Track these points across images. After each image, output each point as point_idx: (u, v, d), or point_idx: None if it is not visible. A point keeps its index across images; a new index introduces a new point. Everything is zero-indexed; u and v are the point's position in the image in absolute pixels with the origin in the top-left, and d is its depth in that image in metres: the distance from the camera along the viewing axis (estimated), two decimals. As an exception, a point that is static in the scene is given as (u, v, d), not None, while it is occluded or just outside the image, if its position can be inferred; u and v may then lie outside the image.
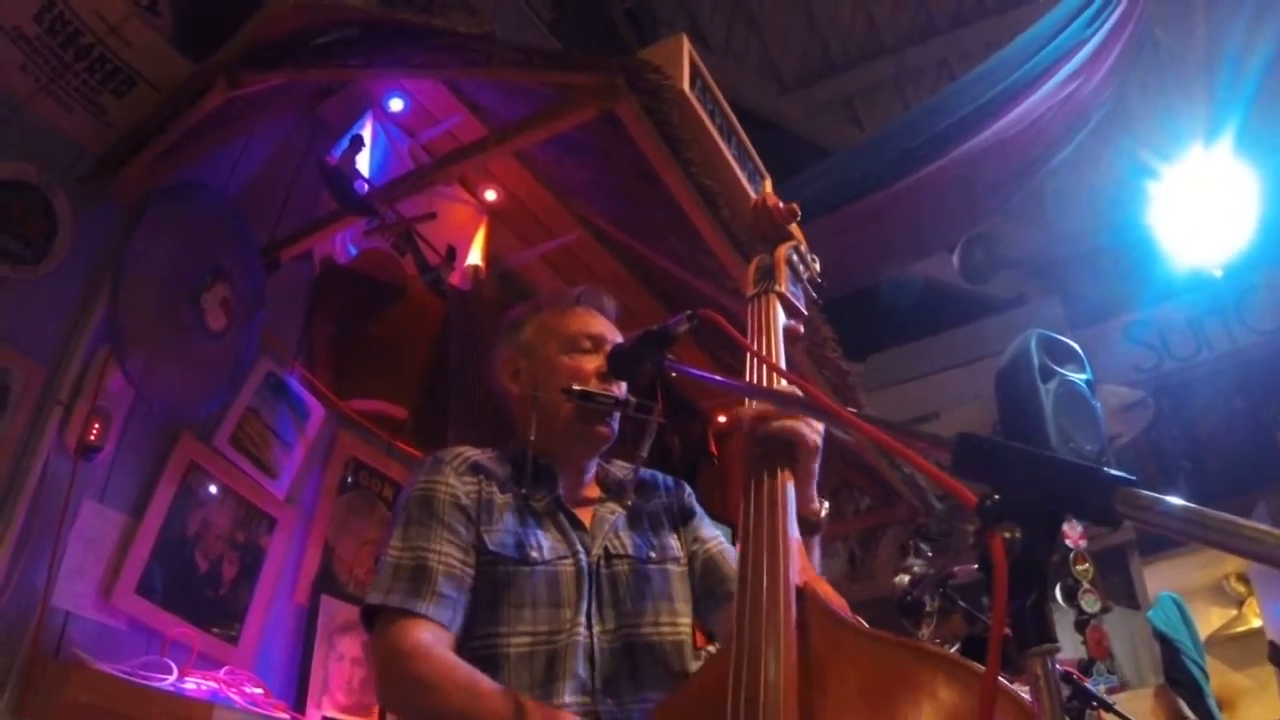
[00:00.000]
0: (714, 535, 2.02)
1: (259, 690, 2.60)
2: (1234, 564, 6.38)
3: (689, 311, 1.70)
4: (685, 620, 1.87)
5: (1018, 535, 0.94)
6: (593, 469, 2.01)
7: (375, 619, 1.69)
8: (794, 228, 1.99)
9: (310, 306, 3.27)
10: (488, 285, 3.48)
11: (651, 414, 1.91)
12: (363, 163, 3.00)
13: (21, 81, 2.68)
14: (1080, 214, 6.80)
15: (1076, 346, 3.94)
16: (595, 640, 1.73)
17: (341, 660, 3.04)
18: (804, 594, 1.33)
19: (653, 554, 1.90)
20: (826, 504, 1.68)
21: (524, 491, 1.86)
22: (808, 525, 1.63)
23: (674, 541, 1.97)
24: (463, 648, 1.69)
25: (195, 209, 2.89)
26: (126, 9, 2.79)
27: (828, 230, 4.19)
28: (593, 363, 1.93)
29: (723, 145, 2.65)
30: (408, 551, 1.71)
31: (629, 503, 1.97)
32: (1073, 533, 4.74)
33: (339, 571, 3.16)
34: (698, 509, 2.07)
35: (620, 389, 1.94)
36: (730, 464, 4.25)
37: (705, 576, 1.93)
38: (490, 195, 3.39)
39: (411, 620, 1.64)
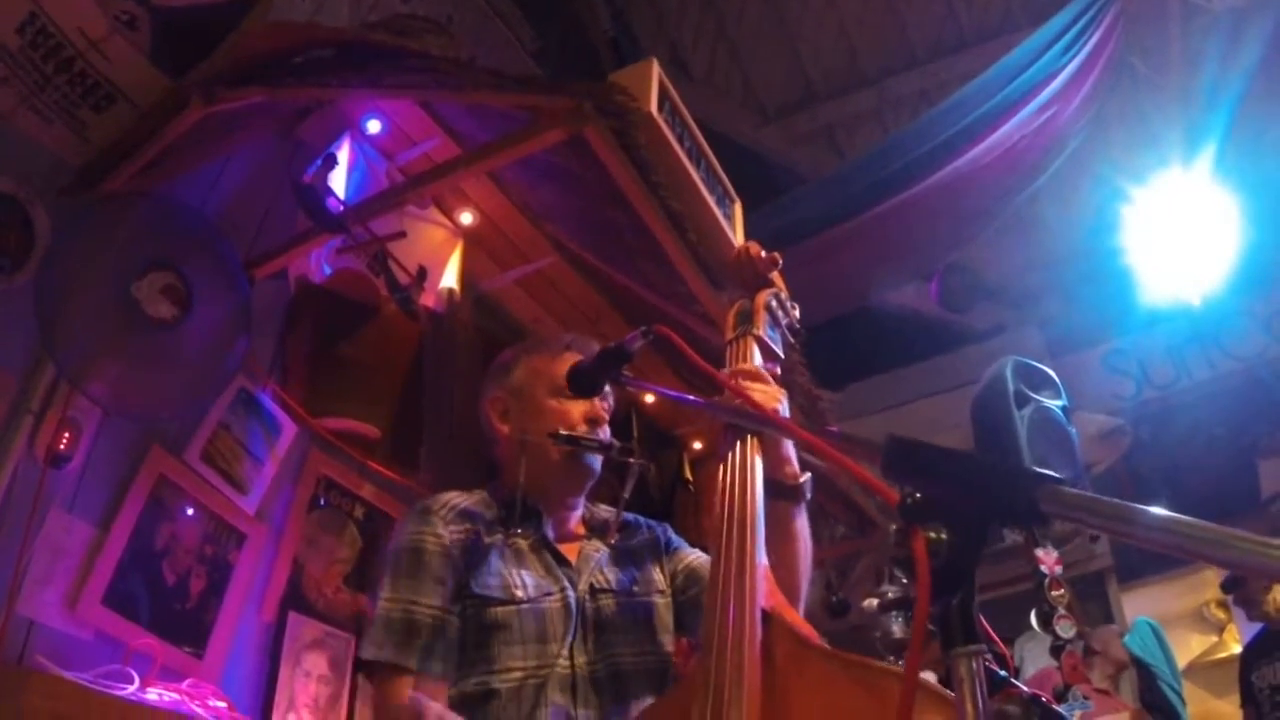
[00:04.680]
0: (694, 551, 2.09)
1: (223, 704, 2.60)
2: (1214, 591, 6.38)
3: (644, 328, 1.74)
4: (668, 650, 1.94)
5: (944, 536, 0.96)
6: (579, 509, 2.09)
7: (372, 671, 1.80)
8: (775, 275, 2.09)
9: (285, 324, 3.28)
10: (463, 309, 3.50)
11: (633, 457, 1.99)
12: (338, 183, 3.03)
13: (2, 94, 2.70)
14: (1059, 242, 6.83)
15: (1052, 373, 3.97)
16: (576, 670, 1.80)
17: (308, 678, 3.04)
18: (770, 617, 1.38)
19: (636, 587, 1.97)
20: (808, 475, 1.80)
21: (512, 531, 1.94)
22: (785, 490, 1.77)
23: (657, 574, 2.04)
24: (459, 684, 1.78)
25: (128, 214, 2.83)
26: (108, 25, 2.81)
27: (804, 258, 4.22)
28: (580, 407, 2.02)
29: (690, 168, 2.67)
30: (397, 605, 1.80)
31: (612, 541, 2.04)
32: (1048, 558, 4.74)
33: (307, 589, 3.16)
34: (676, 538, 2.15)
35: (605, 432, 2.04)
36: (706, 491, 4.26)
37: (689, 587, 2.00)
38: (466, 219, 3.41)
39: (403, 676, 1.74)
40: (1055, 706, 3.30)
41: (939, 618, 0.94)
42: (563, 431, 1.96)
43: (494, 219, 3.43)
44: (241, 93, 2.70)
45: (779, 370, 1.95)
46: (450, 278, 3.43)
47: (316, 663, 3.08)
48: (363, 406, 3.29)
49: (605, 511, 2.14)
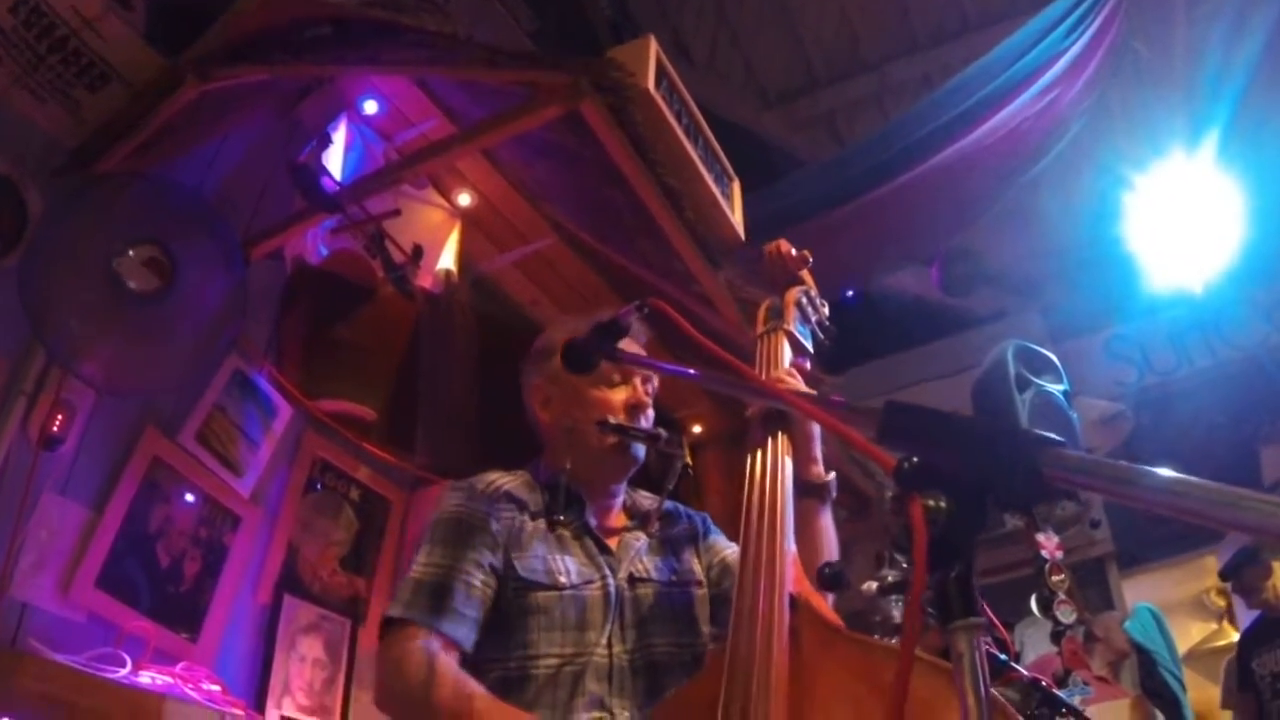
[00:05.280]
0: (730, 544, 2.09)
1: (216, 687, 2.59)
2: (1214, 578, 6.35)
3: (638, 301, 1.74)
4: (704, 641, 1.95)
5: (943, 505, 0.93)
6: (620, 496, 2.09)
7: (389, 628, 1.77)
8: (805, 274, 2.13)
9: (281, 306, 3.27)
10: (460, 290, 3.48)
11: (676, 447, 2.00)
12: (335, 163, 3.01)
13: (-4, 73, 2.68)
14: (1062, 228, 6.79)
15: (1054, 357, 3.94)
16: (614, 660, 1.81)
17: (303, 661, 3.03)
18: (797, 602, 1.42)
19: (674, 577, 1.98)
20: (833, 474, 1.84)
21: (555, 517, 1.94)
22: (812, 489, 1.81)
23: (695, 565, 2.05)
24: (495, 667, 1.78)
25: (120, 194, 2.80)
26: (102, 3, 2.79)
27: (803, 242, 4.19)
28: (621, 394, 2.02)
29: (688, 145, 2.66)
30: (431, 568, 1.80)
31: (653, 531, 2.05)
32: (1049, 543, 4.73)
33: (303, 572, 3.15)
34: (714, 528, 2.16)
35: (648, 419, 2.03)
36: (706, 475, 4.24)
37: (723, 580, 2.00)
38: (464, 199, 3.39)
39: (424, 631, 1.72)
40: (1056, 691, 3.28)
41: (937, 590, 0.90)
42: (611, 420, 1.97)
43: (492, 200, 3.40)
44: (237, 71, 2.69)
45: (809, 365, 1.98)
46: (448, 259, 3.41)
47: (312, 646, 3.07)
48: (358, 388, 3.27)
49: (646, 499, 2.14)
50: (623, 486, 2.09)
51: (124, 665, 2.44)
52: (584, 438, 1.98)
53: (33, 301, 2.50)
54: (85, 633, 2.54)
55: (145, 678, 2.46)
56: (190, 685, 2.52)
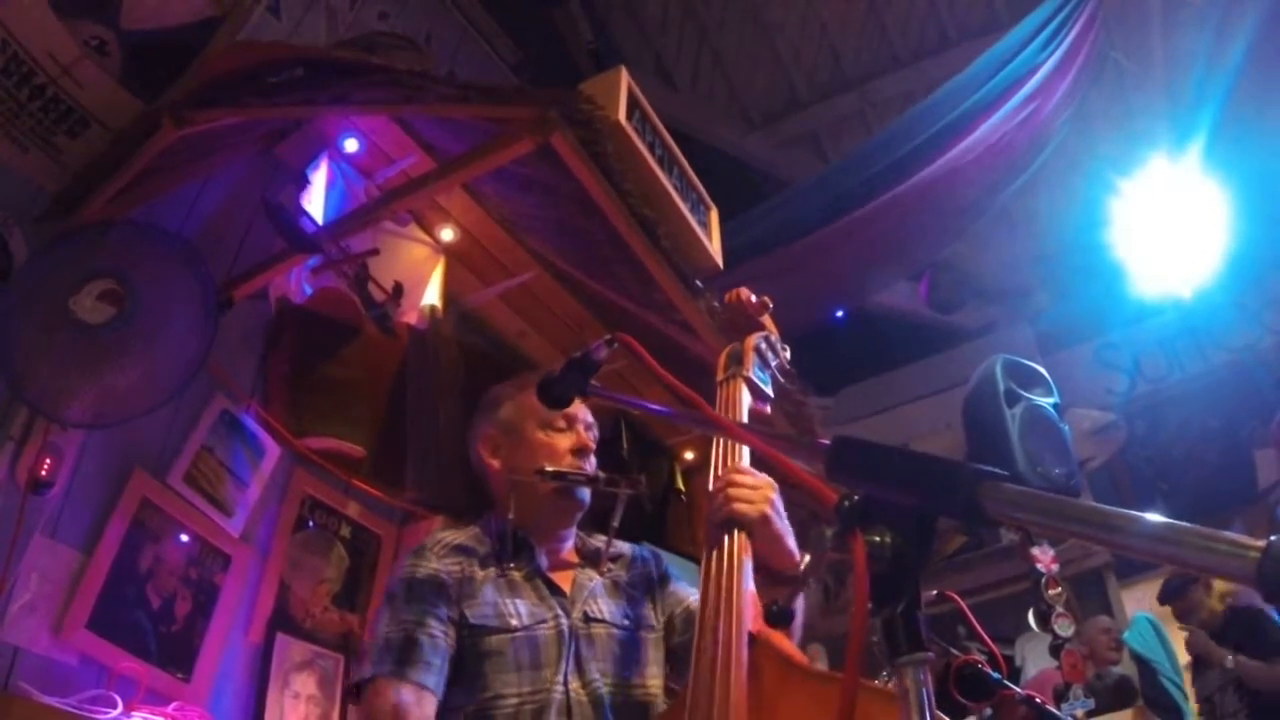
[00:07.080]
0: (692, 591, 2.12)
1: (208, 727, 2.59)
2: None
3: (607, 337, 1.76)
4: (656, 683, 2.00)
5: (888, 539, 0.94)
6: (570, 539, 2.16)
7: (364, 687, 1.86)
8: (766, 319, 2.17)
9: (266, 345, 3.27)
10: (446, 325, 3.49)
11: (619, 487, 2.08)
12: (315, 201, 3.02)
13: (-23, 122, 2.70)
14: (1049, 236, 6.83)
15: (1043, 370, 3.96)
16: (570, 695, 1.86)
17: (297, 699, 3.02)
18: (756, 640, 1.45)
19: (628, 621, 2.04)
20: (808, 556, 1.79)
21: (505, 565, 2.01)
22: (786, 579, 1.76)
23: (649, 610, 2.10)
24: (458, 714, 1.86)
25: (82, 243, 2.77)
26: (78, 50, 2.82)
27: (789, 263, 4.22)
28: (567, 441, 2.10)
29: (662, 176, 2.68)
30: (396, 628, 1.87)
31: (605, 570, 2.11)
32: (1044, 556, 4.73)
33: (295, 610, 3.14)
34: (673, 572, 2.21)
35: (590, 464, 2.11)
36: (699, 500, 4.25)
37: (687, 629, 2.03)
38: (447, 235, 3.40)
39: (397, 682, 1.79)
40: (1051, 708, 3.28)
41: (883, 626, 0.92)
42: (549, 468, 2.04)
43: (475, 234, 3.42)
44: (211, 114, 2.70)
45: (769, 410, 2.02)
46: (432, 294, 3.42)
47: (305, 683, 3.06)
48: (346, 425, 3.27)
49: (599, 541, 2.19)
50: (572, 530, 2.16)
51: (116, 706, 2.44)
52: (528, 486, 2.06)
53: (6, 360, 2.51)
54: (77, 675, 2.54)
55: (137, 719, 2.47)
56: (182, 725, 2.53)
